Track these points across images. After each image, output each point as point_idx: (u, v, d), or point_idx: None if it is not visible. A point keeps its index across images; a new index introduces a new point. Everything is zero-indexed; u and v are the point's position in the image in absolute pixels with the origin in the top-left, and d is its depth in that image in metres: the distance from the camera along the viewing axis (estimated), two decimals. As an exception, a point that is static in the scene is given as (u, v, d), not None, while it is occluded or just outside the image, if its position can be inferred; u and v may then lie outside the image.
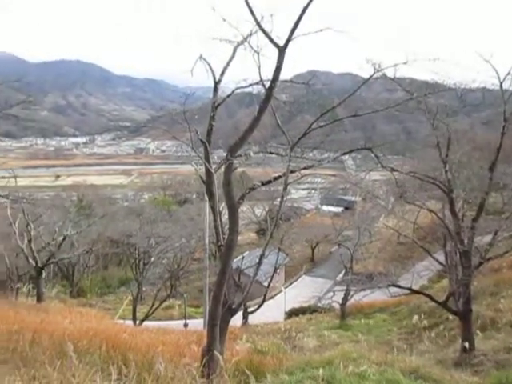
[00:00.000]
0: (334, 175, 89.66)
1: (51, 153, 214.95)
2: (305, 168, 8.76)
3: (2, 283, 28.84)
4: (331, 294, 28.86)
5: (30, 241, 22.83)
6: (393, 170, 11.31)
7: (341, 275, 42.66)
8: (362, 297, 21.05)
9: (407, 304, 24.07)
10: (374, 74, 8.42)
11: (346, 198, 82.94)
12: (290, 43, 6.61)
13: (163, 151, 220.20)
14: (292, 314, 31.35)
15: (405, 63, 8.04)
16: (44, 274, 24.61)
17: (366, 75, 8.69)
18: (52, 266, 34.56)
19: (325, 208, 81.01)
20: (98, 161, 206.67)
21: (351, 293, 24.14)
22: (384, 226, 38.60)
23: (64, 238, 25.73)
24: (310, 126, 8.63)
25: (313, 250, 55.00)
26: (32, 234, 23.13)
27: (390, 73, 8.58)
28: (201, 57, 7.22)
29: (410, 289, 13.58)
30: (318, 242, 54.42)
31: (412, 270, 26.63)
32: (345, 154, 10.22)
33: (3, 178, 22.95)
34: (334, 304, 26.70)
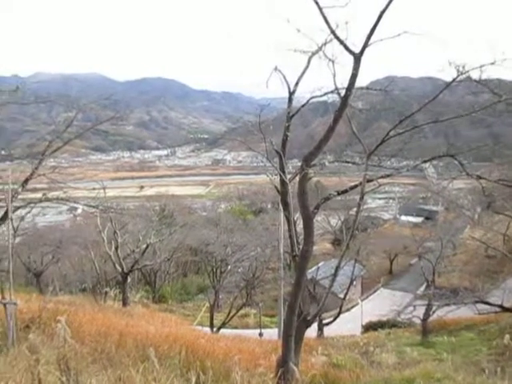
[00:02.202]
0: (413, 184, 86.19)
1: (136, 165, 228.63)
2: (382, 177, 8.47)
3: (92, 287, 31.02)
4: (411, 308, 27.52)
5: (116, 248, 24.30)
6: (479, 177, 10.55)
7: (422, 289, 40.57)
8: (446, 313, 19.83)
9: (497, 322, 22.23)
10: (458, 76, 7.94)
11: (426, 207, 79.08)
12: (366, 49, 6.48)
13: (239, 162, 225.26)
14: (369, 327, 30.31)
15: (492, 63, 7.51)
16: (129, 280, 26.01)
17: (448, 78, 8.24)
18: (136, 272, 36.44)
19: (404, 218, 77.72)
20: (179, 172, 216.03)
21: (433, 308, 22.88)
22: (470, 238, 36.29)
23: (147, 246, 27.04)
24: (387, 134, 8.35)
25: (391, 261, 52.97)
26: (119, 241, 24.61)
27: (475, 74, 8.05)
28: (276, 68, 7.30)
29: (500, 306, 12.57)
30: (397, 254, 52.30)
31: (502, 285, 24.62)
32: (425, 161, 9.74)
33: (94, 189, 24.59)
34: (414, 319, 25.42)
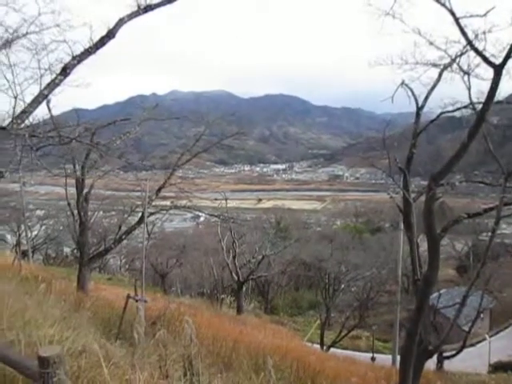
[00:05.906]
0: (559, 210, 75.45)
1: (255, 178, 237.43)
2: (523, 200, 7.60)
3: (210, 292, 32.74)
4: (554, 352, 24.03)
5: (234, 257, 25.33)
6: None
7: None
8: None
9: None
10: None
11: None
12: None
13: (357, 178, 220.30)
14: (498, 367, 27.04)
15: None
16: (244, 289, 26.85)
17: None
18: (251, 281, 37.49)
19: (546, 248, 68.48)
20: (295, 186, 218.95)
21: None
22: None
23: (263, 257, 27.70)
24: (531, 153, 7.50)
25: (529, 296, 46.88)
26: (236, 251, 25.62)
27: None
28: (403, 83, 7.05)
29: None
30: (537, 288, 46.15)
31: None
32: None
33: (216, 199, 25.99)
34: (557, 365, 22.14)
